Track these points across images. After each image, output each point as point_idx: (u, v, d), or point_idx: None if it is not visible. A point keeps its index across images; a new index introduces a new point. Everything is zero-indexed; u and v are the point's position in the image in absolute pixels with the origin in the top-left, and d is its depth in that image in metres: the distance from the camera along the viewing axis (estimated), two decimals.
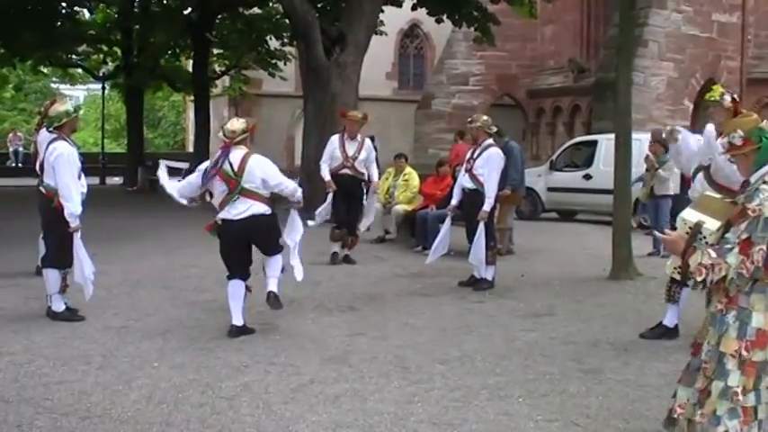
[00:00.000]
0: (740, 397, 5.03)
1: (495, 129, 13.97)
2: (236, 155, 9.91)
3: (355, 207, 15.51)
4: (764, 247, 4.92)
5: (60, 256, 10.60)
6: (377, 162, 16.57)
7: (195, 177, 10.46)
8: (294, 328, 10.33)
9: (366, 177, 15.51)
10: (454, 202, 13.69)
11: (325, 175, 15.23)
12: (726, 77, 35.04)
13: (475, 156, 13.31)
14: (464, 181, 13.47)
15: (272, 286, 10.14)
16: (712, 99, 9.78)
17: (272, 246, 10.19)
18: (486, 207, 13.07)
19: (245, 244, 10.08)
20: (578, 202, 24.59)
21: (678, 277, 5.24)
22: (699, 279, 4.99)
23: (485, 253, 13.14)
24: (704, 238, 5.07)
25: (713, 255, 4.95)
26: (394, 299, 12.36)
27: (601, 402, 7.51)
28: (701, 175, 9.87)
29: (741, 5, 35.58)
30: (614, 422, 7.02)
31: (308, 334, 10.03)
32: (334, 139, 15.53)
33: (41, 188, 10.82)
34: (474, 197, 13.20)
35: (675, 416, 5.39)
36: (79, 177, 10.67)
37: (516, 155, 17.30)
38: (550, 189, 25.19)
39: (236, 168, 9.83)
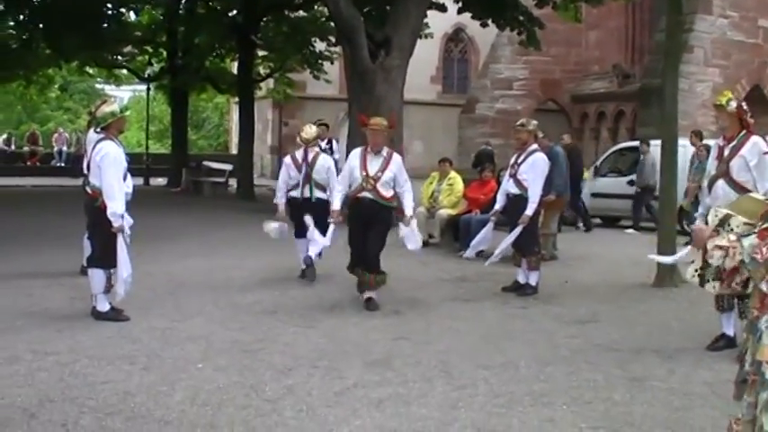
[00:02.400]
0: None
1: (542, 134, 13.97)
2: (311, 155, 13.73)
3: (376, 237, 11.95)
4: None
5: (105, 256, 10.65)
6: (336, 166, 14.59)
7: (284, 176, 14.12)
8: (337, 331, 10.33)
9: (394, 203, 12.31)
10: (498, 206, 13.67)
11: (335, 202, 12.46)
12: None
13: (520, 161, 13.28)
14: (508, 186, 13.46)
15: (312, 251, 13.27)
16: (718, 103, 9.90)
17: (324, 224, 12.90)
18: (529, 211, 13.03)
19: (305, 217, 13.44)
20: (622, 207, 24.42)
21: (697, 281, 5.09)
22: (711, 261, 4.86)
23: (503, 251, 13.50)
24: (732, 229, 4.96)
25: (732, 238, 4.83)
26: (437, 303, 12.34)
27: (645, 411, 7.46)
28: (721, 182, 9.91)
29: None
30: (659, 431, 6.97)
31: (351, 337, 10.03)
32: (355, 154, 12.37)
33: (87, 188, 10.92)
34: (518, 202, 13.17)
35: None
36: (125, 178, 10.75)
37: (561, 160, 17.30)
38: (594, 195, 25.06)
39: (309, 164, 13.62)
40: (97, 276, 10.70)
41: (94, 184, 10.69)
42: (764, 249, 4.70)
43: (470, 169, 27.88)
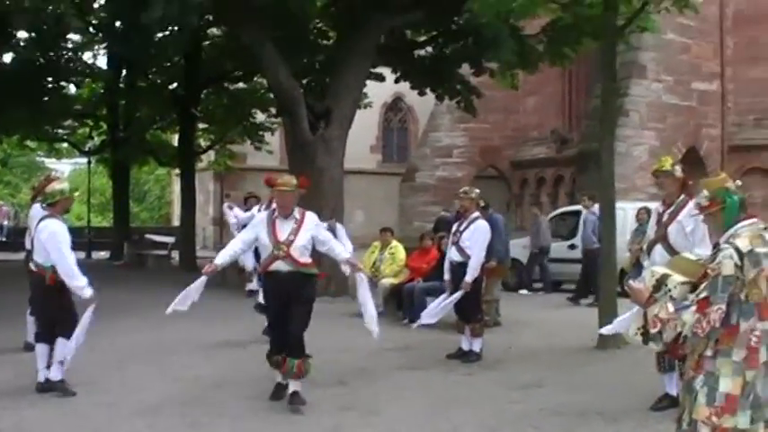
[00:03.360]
0: None
1: (483, 203, 14.09)
2: None
3: (299, 317, 10.23)
4: (723, 307, 4.91)
5: (50, 329, 10.71)
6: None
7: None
8: (283, 402, 10.33)
9: (315, 270, 10.47)
10: (447, 276, 13.73)
11: (218, 257, 10.61)
12: (707, 145, 35.57)
13: (462, 228, 13.40)
14: (451, 254, 13.57)
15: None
16: (664, 169, 10.04)
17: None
18: (468, 277, 13.13)
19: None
20: (564, 272, 24.64)
21: (639, 339, 5.23)
22: (652, 331, 5.01)
23: (439, 314, 13.53)
24: (669, 290, 5.09)
25: (670, 309, 4.97)
26: (383, 372, 12.39)
27: None
28: (659, 247, 10.04)
29: (720, 74, 36.05)
30: None
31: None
32: (262, 218, 10.73)
33: (31, 265, 10.91)
34: (461, 269, 13.27)
35: None
36: None
37: (500, 227, 17.43)
38: None
39: None
40: (42, 350, 10.73)
41: (38, 262, 10.70)
42: (704, 324, 4.87)
43: (412, 238, 27.98)
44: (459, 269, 13.31)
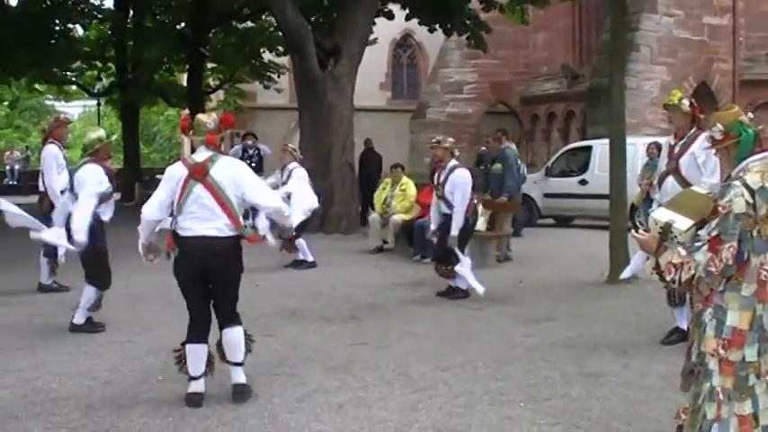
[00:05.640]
0: (721, 396, 5.05)
1: (458, 152, 13.75)
2: None
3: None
4: (735, 245, 4.87)
5: (99, 276, 10.96)
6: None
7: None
8: (297, 338, 10.40)
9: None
10: (433, 226, 13.56)
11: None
12: (718, 80, 35.25)
13: (442, 180, 13.20)
14: (441, 206, 13.34)
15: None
16: (671, 103, 9.97)
17: None
18: (454, 232, 12.89)
19: None
20: (574, 207, 24.65)
21: (657, 278, 5.24)
22: (668, 278, 5.02)
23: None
24: (675, 237, 5.08)
25: (683, 253, 4.95)
26: (395, 308, 12.44)
27: (602, 405, 7.60)
28: (671, 179, 9.99)
29: (732, 8, 35.73)
30: (616, 424, 7.10)
31: (310, 344, 10.10)
32: None
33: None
34: (450, 221, 13.11)
35: (680, 422, 5.39)
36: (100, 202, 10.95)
37: (512, 162, 17.40)
38: (547, 195, 25.24)
39: None
40: (89, 292, 10.90)
41: None
42: (717, 261, 4.86)
43: (423, 174, 27.99)
44: (449, 221, 13.11)
